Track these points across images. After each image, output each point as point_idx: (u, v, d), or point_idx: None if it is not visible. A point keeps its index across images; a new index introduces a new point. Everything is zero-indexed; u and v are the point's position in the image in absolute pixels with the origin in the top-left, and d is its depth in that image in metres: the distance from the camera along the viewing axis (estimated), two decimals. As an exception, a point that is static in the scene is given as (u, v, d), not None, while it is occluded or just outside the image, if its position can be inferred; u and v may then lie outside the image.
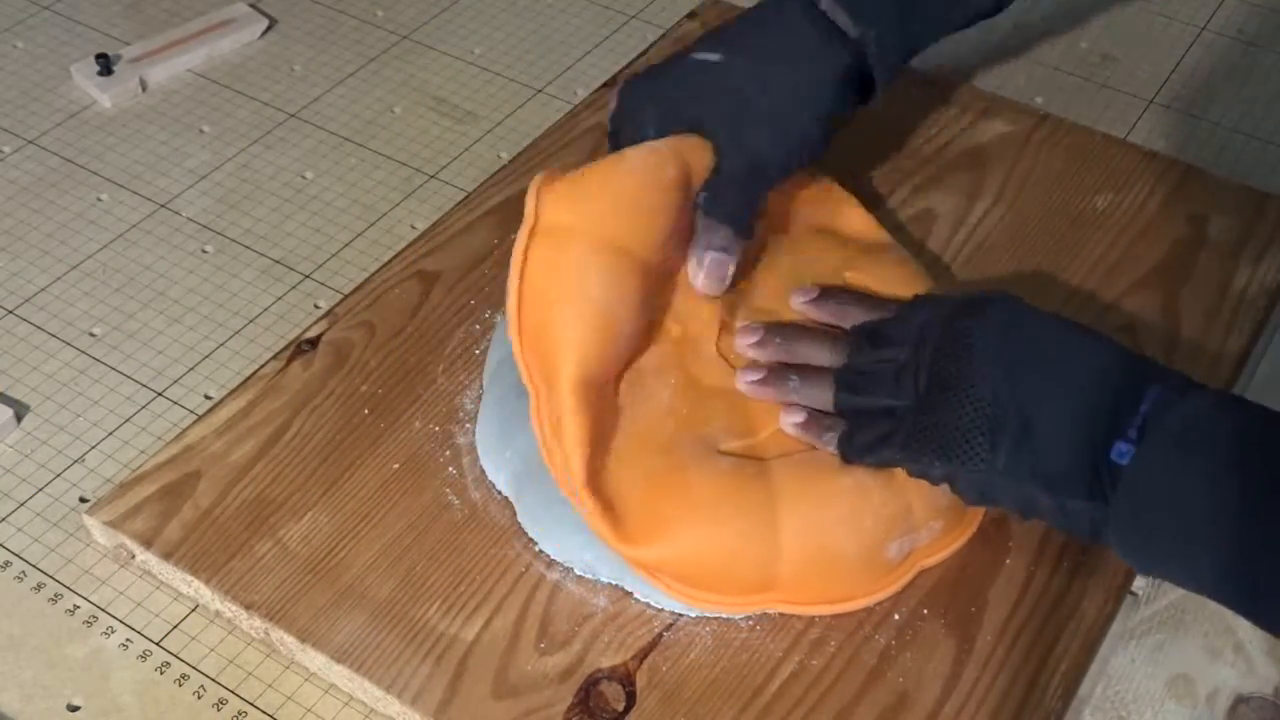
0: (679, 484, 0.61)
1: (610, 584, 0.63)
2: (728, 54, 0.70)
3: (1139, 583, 0.64)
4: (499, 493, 0.66)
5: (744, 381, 0.64)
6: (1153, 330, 0.74)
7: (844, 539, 0.60)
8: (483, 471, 0.67)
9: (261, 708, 0.60)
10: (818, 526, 0.60)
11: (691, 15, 0.95)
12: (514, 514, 0.65)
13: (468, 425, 0.69)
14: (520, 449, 0.65)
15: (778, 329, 0.66)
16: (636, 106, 0.71)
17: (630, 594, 0.62)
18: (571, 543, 0.63)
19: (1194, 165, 0.84)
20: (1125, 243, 0.79)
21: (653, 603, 0.62)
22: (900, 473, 0.60)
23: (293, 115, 0.90)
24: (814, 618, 0.62)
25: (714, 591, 0.61)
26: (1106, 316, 0.75)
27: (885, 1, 0.71)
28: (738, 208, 0.68)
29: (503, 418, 0.67)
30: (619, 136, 0.71)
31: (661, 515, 0.60)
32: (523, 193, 0.80)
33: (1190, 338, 0.74)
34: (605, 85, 0.89)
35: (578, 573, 0.63)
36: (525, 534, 0.64)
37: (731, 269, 0.67)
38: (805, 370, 0.64)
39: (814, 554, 0.60)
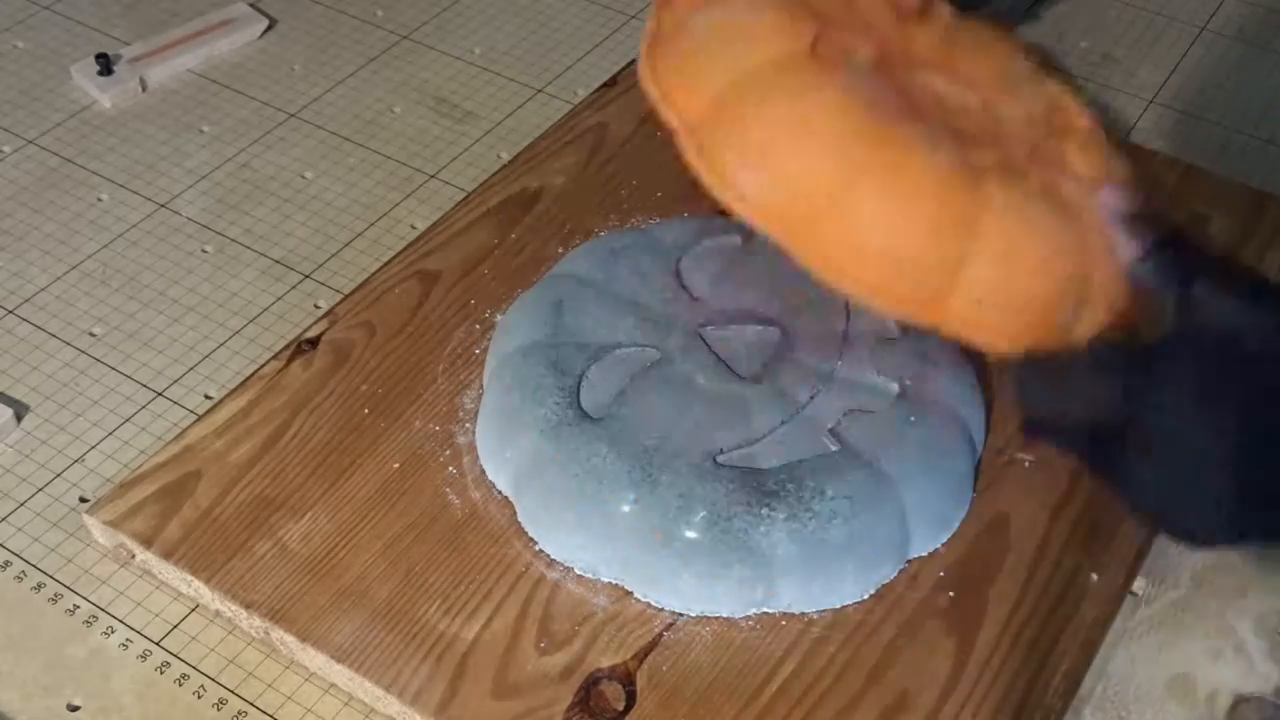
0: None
1: (610, 583, 0.63)
2: None
3: (1139, 583, 0.65)
4: (499, 492, 0.66)
5: None
6: (1152, 329, 0.74)
7: (1033, 281, 0.51)
8: (483, 471, 0.67)
9: (261, 707, 0.61)
10: (1017, 254, 0.50)
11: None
12: (514, 514, 0.65)
13: (468, 425, 0.69)
14: (521, 448, 0.65)
15: None
16: None
17: (630, 594, 0.62)
18: (571, 542, 0.63)
19: (1194, 165, 0.84)
20: (1124, 242, 0.79)
21: (653, 602, 0.62)
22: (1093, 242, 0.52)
23: (293, 115, 0.90)
24: (814, 617, 0.62)
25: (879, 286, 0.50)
26: (1106, 316, 0.75)
27: None
28: None
29: (503, 418, 0.67)
30: None
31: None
32: (522, 192, 0.81)
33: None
34: (605, 85, 0.89)
35: (578, 572, 0.63)
36: (525, 534, 0.64)
37: None
38: None
39: (1001, 284, 0.50)
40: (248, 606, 0.61)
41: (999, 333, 0.52)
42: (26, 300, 0.78)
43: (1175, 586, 0.65)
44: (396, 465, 0.67)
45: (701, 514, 0.61)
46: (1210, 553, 0.66)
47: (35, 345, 0.76)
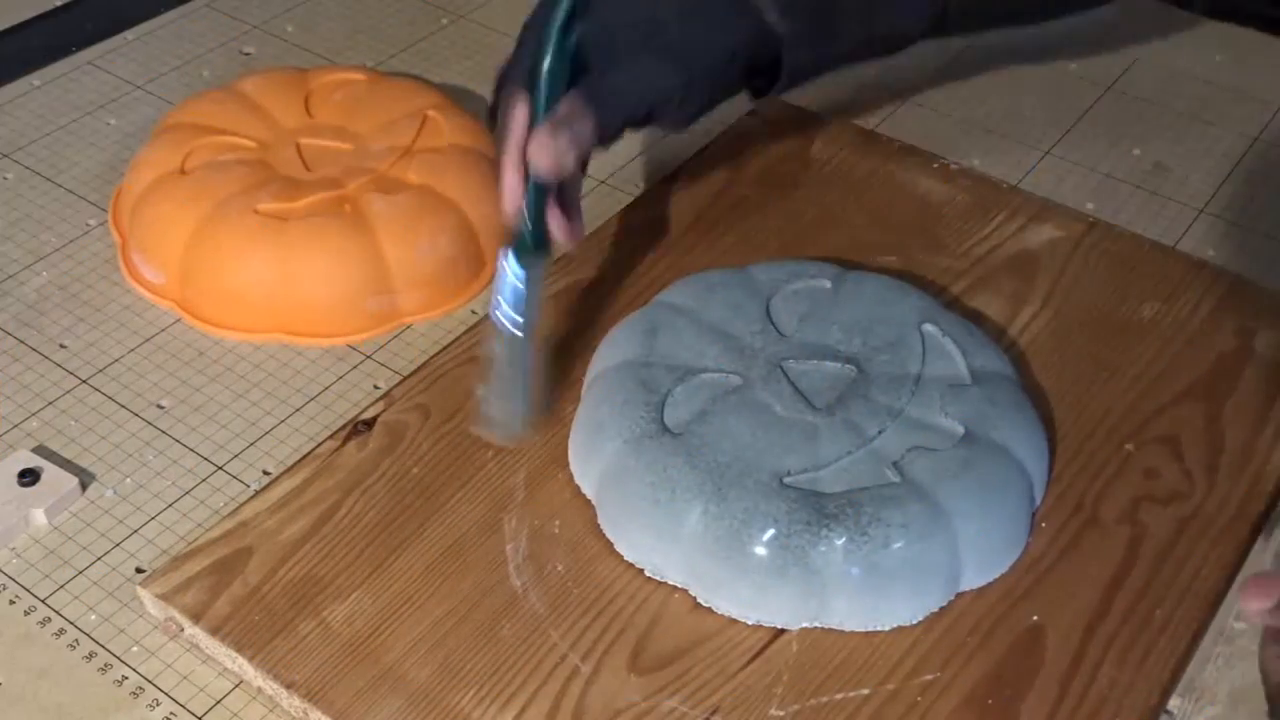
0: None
1: (642, 680, 0.64)
2: None
3: (1174, 702, 0.64)
4: (543, 572, 0.67)
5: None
6: (1196, 443, 0.74)
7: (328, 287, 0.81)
8: (525, 558, 0.68)
9: (298, 785, 0.62)
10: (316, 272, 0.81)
11: (752, 113, 0.97)
12: (553, 602, 0.66)
13: (514, 511, 0.71)
14: (605, 456, 0.69)
15: None
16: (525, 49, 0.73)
17: (662, 690, 0.63)
18: (643, 545, 0.67)
19: (1243, 276, 0.84)
20: (1171, 353, 0.79)
21: (714, 608, 0.66)
22: (383, 239, 0.81)
23: (362, 198, 0.93)
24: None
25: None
26: (1149, 427, 0.75)
27: None
28: (611, 107, 0.70)
29: (592, 428, 0.71)
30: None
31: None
32: (577, 282, 0.83)
33: (1234, 452, 0.73)
34: (664, 180, 0.91)
35: (647, 574, 0.67)
36: (562, 624, 0.66)
37: (572, 157, 0.69)
38: None
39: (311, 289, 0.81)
40: (288, 686, 0.63)
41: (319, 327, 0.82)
42: (100, 370, 0.81)
43: (1212, 703, 0.65)
44: (442, 550, 0.69)
45: (764, 529, 0.65)
46: (1249, 672, 0.65)
47: (105, 415, 0.78)
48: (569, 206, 0.72)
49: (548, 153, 0.68)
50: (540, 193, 0.70)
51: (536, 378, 0.73)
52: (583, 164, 0.72)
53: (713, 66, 0.74)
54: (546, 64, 0.68)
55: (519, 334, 0.71)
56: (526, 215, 0.70)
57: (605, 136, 0.71)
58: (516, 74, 0.71)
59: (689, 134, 0.97)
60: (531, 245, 0.70)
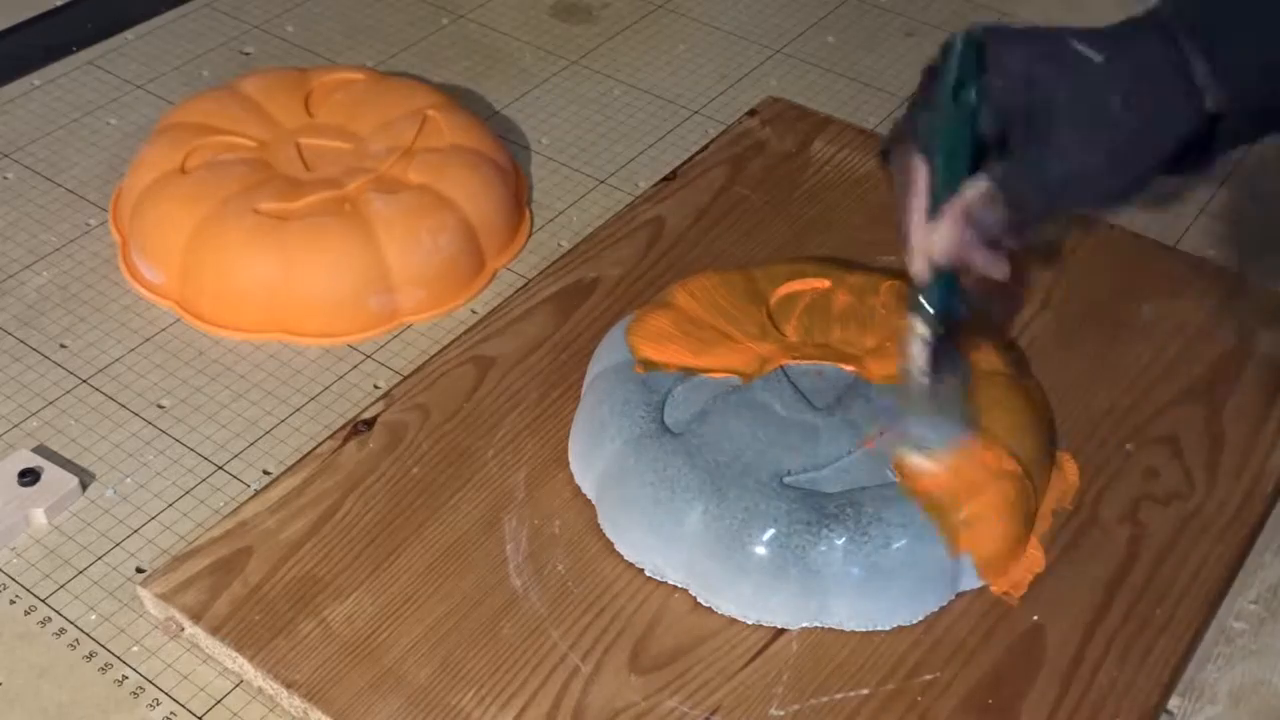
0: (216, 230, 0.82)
1: (641, 679, 0.64)
2: (1111, 57, 0.60)
3: (1174, 702, 0.64)
4: (541, 575, 0.67)
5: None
6: (1196, 443, 0.74)
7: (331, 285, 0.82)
8: (525, 558, 0.68)
9: (298, 784, 0.62)
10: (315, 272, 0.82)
11: (752, 113, 0.97)
12: (552, 602, 0.66)
13: (514, 510, 0.71)
14: (605, 455, 0.69)
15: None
16: (1002, 54, 0.61)
17: (663, 689, 0.63)
18: (643, 544, 0.68)
19: (1243, 276, 0.84)
20: (1172, 352, 0.79)
21: (714, 607, 0.66)
22: (383, 238, 0.82)
23: (363, 198, 0.93)
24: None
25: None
26: (1149, 427, 0.75)
27: (1249, 62, 0.60)
28: (1030, 201, 0.61)
29: (592, 427, 0.71)
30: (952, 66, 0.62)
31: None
32: (578, 282, 0.83)
33: (1234, 452, 0.73)
34: (664, 179, 0.91)
35: (648, 574, 0.67)
36: (561, 625, 0.66)
37: (977, 251, 0.62)
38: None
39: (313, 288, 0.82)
40: (288, 686, 0.63)
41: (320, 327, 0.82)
42: (100, 370, 0.81)
43: (1212, 702, 0.65)
44: (441, 549, 0.69)
45: (764, 529, 0.65)
46: (1249, 672, 0.65)
47: (105, 415, 0.78)
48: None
49: (948, 244, 0.62)
50: (948, 274, 0.64)
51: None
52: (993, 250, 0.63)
53: (1154, 158, 0.61)
54: (942, 129, 0.61)
55: (924, 381, 0.67)
56: (932, 287, 0.64)
57: (1021, 231, 0.62)
58: (914, 129, 0.63)
59: (689, 134, 0.98)
60: (936, 317, 0.65)
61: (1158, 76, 0.60)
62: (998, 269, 0.63)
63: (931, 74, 0.62)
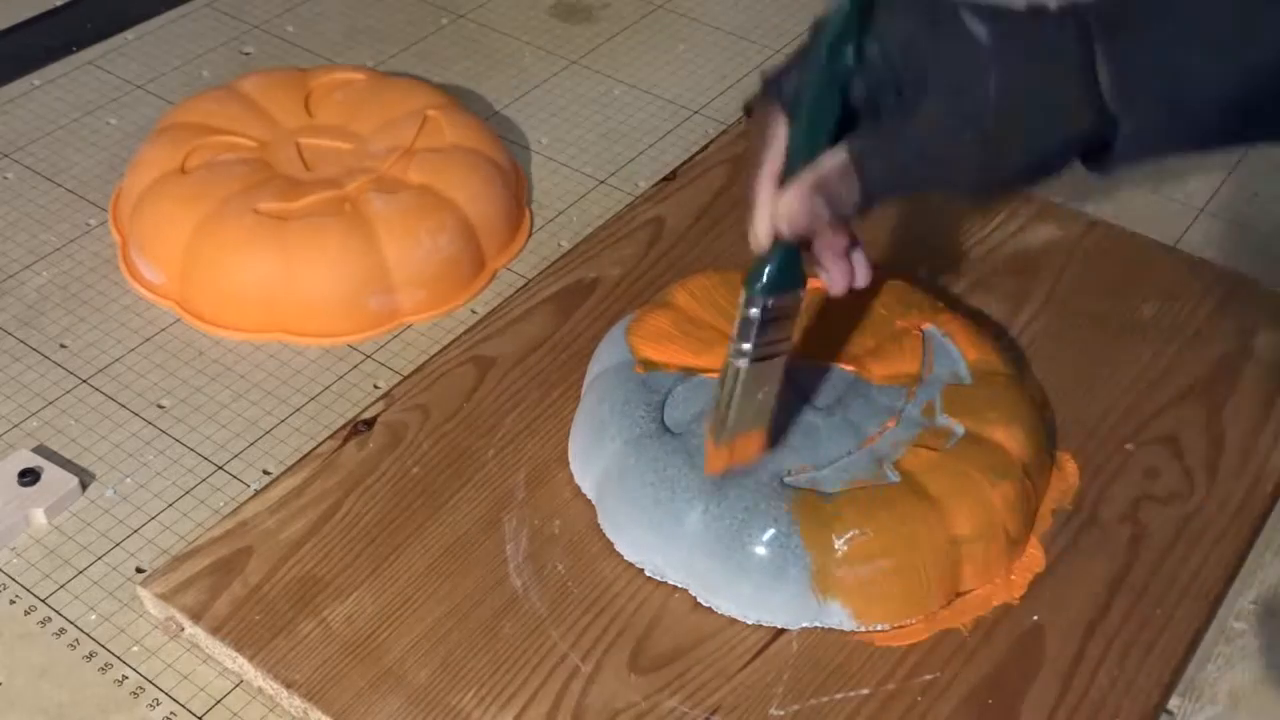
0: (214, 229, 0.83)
1: (642, 679, 0.64)
2: (1002, 34, 0.55)
3: (1174, 702, 0.64)
4: (542, 574, 0.67)
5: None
6: (1196, 443, 0.74)
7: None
8: (525, 558, 0.68)
9: (298, 784, 0.62)
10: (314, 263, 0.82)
11: (751, 112, 0.97)
12: (552, 602, 0.66)
13: (514, 511, 0.71)
14: (605, 455, 0.69)
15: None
16: (885, 17, 0.57)
17: (663, 689, 0.63)
18: (643, 544, 0.68)
19: (1243, 276, 0.84)
20: (1171, 353, 0.79)
21: (715, 607, 0.66)
22: (383, 238, 0.82)
23: (363, 198, 0.93)
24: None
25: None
26: (1149, 427, 0.75)
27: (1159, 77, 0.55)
28: (887, 177, 0.57)
29: (592, 427, 0.71)
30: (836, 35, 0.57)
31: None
32: (578, 282, 0.83)
33: (1234, 452, 0.73)
34: (664, 179, 0.91)
35: (648, 574, 0.67)
36: (562, 625, 0.66)
37: (824, 224, 0.58)
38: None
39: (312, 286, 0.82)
40: (288, 686, 0.63)
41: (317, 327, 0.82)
42: (100, 370, 0.81)
43: (1213, 703, 0.65)
44: (441, 549, 0.69)
45: (764, 529, 0.65)
46: (1249, 671, 0.66)
47: (105, 415, 0.78)
48: (850, 249, 0.62)
49: (796, 216, 0.58)
50: (788, 245, 0.60)
51: (753, 407, 0.65)
52: (842, 224, 0.61)
53: (1036, 153, 0.56)
54: (810, 92, 0.57)
55: (739, 364, 0.62)
56: (772, 253, 0.60)
57: (869, 206, 0.58)
58: (782, 86, 0.58)
59: (689, 134, 0.98)
60: (765, 283, 0.60)
61: (1051, 67, 0.55)
62: (850, 276, 0.61)
63: (818, 30, 0.57)
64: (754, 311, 0.61)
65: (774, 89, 0.59)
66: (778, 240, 0.59)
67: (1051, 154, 0.56)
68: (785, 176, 0.58)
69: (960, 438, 0.69)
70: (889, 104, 0.56)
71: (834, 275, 0.62)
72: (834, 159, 0.57)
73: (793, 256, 0.60)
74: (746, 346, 0.61)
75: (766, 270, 0.60)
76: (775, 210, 0.58)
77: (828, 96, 0.56)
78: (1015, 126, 0.55)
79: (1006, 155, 0.56)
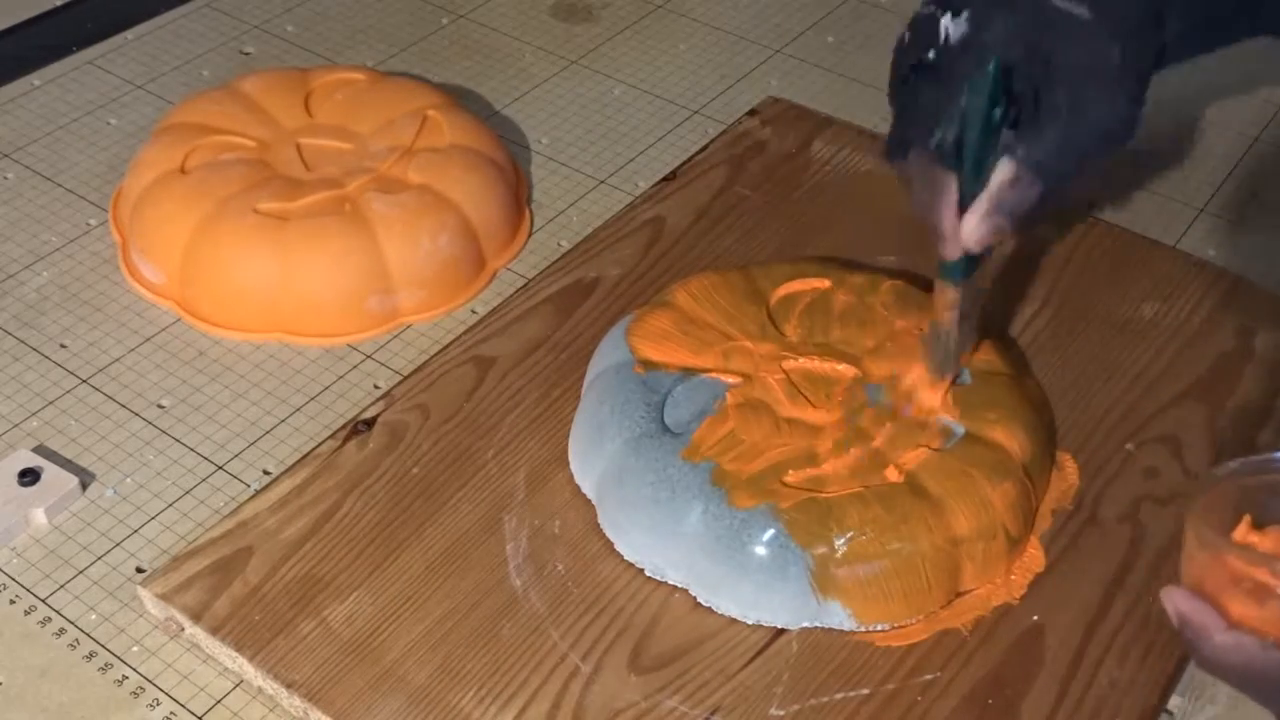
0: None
1: (641, 679, 0.64)
2: (1095, 13, 0.61)
3: (1174, 702, 0.64)
4: (542, 575, 0.67)
5: None
6: (1196, 443, 0.74)
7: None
8: (525, 558, 0.68)
9: (298, 784, 0.62)
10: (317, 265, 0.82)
11: (752, 113, 0.97)
12: (552, 602, 0.66)
13: (514, 511, 0.71)
14: (605, 456, 0.70)
15: None
16: (986, 31, 0.61)
17: (662, 689, 0.63)
18: (642, 544, 0.68)
19: (1243, 276, 0.84)
20: (1171, 353, 0.79)
21: (714, 607, 0.66)
22: (383, 238, 0.82)
23: (363, 198, 0.93)
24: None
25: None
26: (1149, 427, 0.75)
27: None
28: (1061, 174, 0.61)
29: (592, 427, 0.71)
30: (957, 59, 0.62)
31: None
32: (578, 282, 0.83)
33: (1234, 452, 0.73)
34: (664, 179, 0.91)
35: (647, 574, 0.67)
36: (561, 625, 0.66)
37: (1009, 229, 0.63)
38: None
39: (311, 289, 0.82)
40: (288, 686, 0.63)
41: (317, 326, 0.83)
42: (100, 370, 0.81)
43: (1212, 702, 0.65)
44: (442, 550, 0.69)
45: (764, 529, 0.65)
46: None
47: (105, 415, 0.78)
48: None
49: (981, 235, 0.62)
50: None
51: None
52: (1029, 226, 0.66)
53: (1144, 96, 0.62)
54: (972, 143, 0.61)
55: (949, 318, 0.69)
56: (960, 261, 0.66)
57: (1051, 202, 0.62)
58: (934, 143, 0.62)
59: (689, 134, 0.98)
60: (963, 284, 0.68)
61: (1132, 17, 0.61)
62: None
63: (905, 55, 0.63)
64: (953, 294, 0.68)
65: (920, 138, 0.63)
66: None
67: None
68: (963, 206, 0.62)
69: (960, 438, 0.69)
70: (1029, 105, 0.61)
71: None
72: (1002, 174, 0.61)
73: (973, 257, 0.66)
74: (952, 313, 0.68)
75: (967, 268, 0.66)
76: (964, 236, 0.63)
77: (986, 144, 0.61)
78: (1141, 80, 0.61)
79: (1138, 106, 0.62)
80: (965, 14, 0.61)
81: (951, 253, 0.64)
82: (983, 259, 0.67)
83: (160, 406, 0.79)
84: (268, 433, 0.78)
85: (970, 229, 0.62)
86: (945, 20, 0.62)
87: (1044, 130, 0.60)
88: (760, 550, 0.65)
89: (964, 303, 0.68)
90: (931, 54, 0.62)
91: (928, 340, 0.71)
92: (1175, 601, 0.54)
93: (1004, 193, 0.61)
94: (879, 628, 0.66)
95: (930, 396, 0.70)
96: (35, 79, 1.03)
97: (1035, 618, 0.66)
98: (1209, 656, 0.53)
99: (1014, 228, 0.62)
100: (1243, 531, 0.55)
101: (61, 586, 0.70)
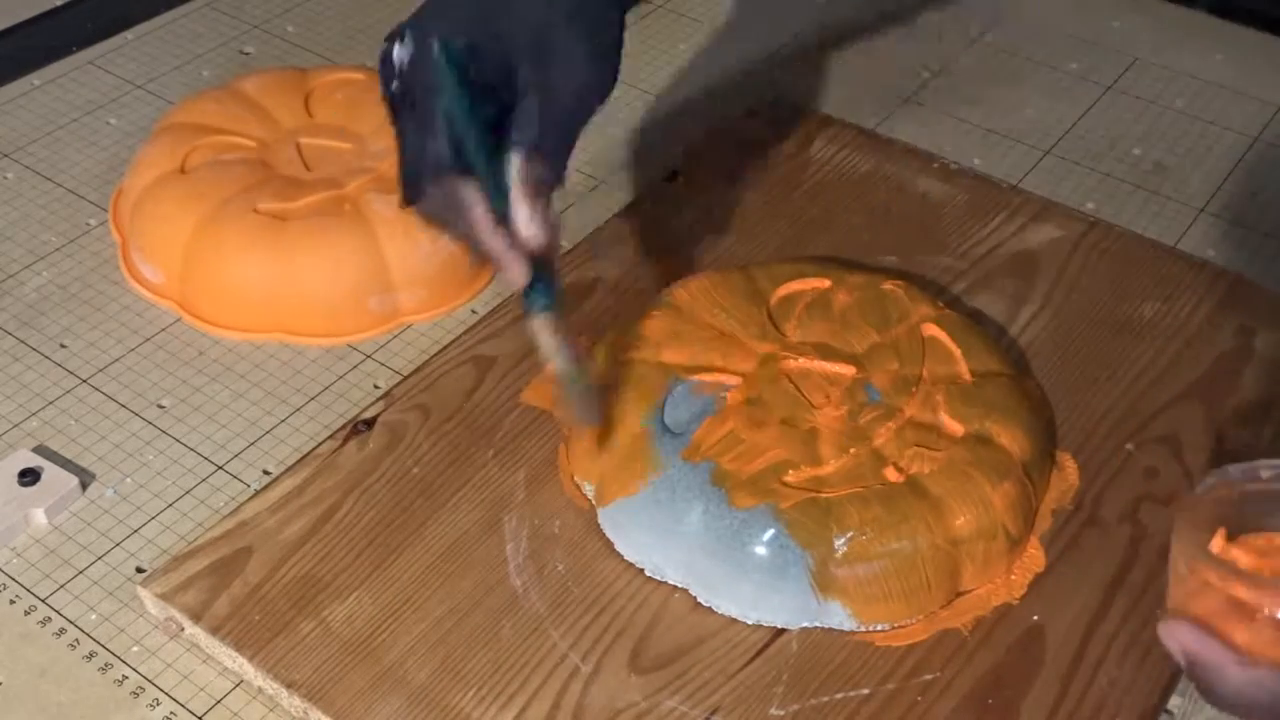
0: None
1: (642, 679, 0.64)
2: None
3: (1174, 702, 0.64)
4: (542, 577, 0.67)
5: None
6: (1196, 443, 0.74)
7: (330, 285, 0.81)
8: (525, 558, 0.68)
9: (298, 784, 0.62)
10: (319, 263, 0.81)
11: (752, 113, 0.97)
12: (552, 602, 0.67)
13: (514, 511, 0.71)
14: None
15: None
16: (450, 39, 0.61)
17: (662, 689, 0.63)
18: (642, 544, 0.68)
19: (1243, 276, 0.84)
20: (1171, 353, 0.79)
21: (715, 607, 0.66)
22: (383, 238, 0.81)
23: (363, 198, 0.93)
24: (842, 721, 0.63)
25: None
26: (1149, 427, 0.75)
27: None
28: (560, 145, 0.63)
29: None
30: (409, 90, 0.62)
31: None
32: (578, 282, 0.83)
33: (1234, 452, 0.73)
34: (665, 179, 0.91)
35: (647, 574, 0.67)
36: (562, 624, 0.66)
37: (554, 211, 0.63)
38: None
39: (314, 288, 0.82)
40: (288, 686, 0.63)
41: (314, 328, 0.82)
42: (100, 370, 0.81)
43: (1210, 706, 0.65)
44: (441, 549, 0.69)
45: (764, 529, 0.65)
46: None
47: (105, 415, 0.78)
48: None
49: (540, 226, 0.61)
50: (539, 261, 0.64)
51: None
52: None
53: (619, 26, 0.64)
54: (472, 146, 0.60)
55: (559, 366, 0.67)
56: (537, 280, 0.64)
57: (564, 173, 0.64)
58: (433, 160, 0.62)
59: (689, 134, 0.98)
60: (555, 305, 0.65)
61: None
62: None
63: (394, 101, 0.62)
64: (550, 330, 0.65)
65: (427, 165, 0.62)
66: (534, 263, 0.62)
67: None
68: (499, 212, 0.61)
69: (960, 438, 0.69)
70: (506, 92, 0.61)
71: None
72: (517, 162, 0.61)
73: (548, 272, 0.64)
74: (562, 352, 0.66)
75: (546, 290, 0.64)
76: (525, 239, 0.61)
77: (483, 141, 0.60)
78: (592, 24, 0.62)
79: (613, 44, 0.63)
80: (407, 34, 0.62)
81: (515, 270, 0.62)
82: (556, 278, 0.64)
83: (160, 406, 0.79)
84: (268, 433, 0.78)
85: (524, 226, 0.61)
86: (395, 49, 0.62)
87: (528, 109, 0.61)
88: (760, 550, 0.65)
89: (568, 334, 0.65)
90: (395, 85, 0.62)
91: (561, 393, 0.68)
92: (1180, 639, 0.52)
93: (529, 182, 0.61)
94: (879, 628, 0.66)
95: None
96: (35, 79, 1.03)
97: (1035, 618, 0.66)
98: (1225, 696, 0.51)
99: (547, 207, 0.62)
100: (1219, 544, 0.54)
101: (61, 586, 0.70)
